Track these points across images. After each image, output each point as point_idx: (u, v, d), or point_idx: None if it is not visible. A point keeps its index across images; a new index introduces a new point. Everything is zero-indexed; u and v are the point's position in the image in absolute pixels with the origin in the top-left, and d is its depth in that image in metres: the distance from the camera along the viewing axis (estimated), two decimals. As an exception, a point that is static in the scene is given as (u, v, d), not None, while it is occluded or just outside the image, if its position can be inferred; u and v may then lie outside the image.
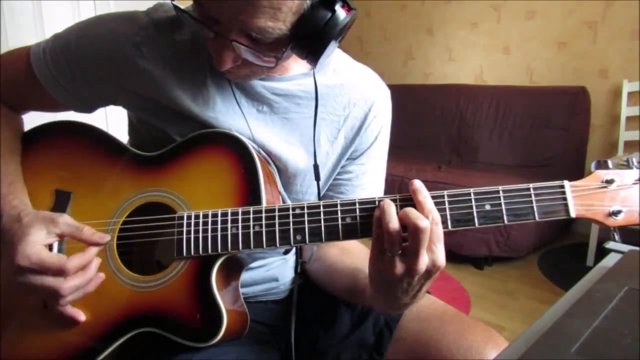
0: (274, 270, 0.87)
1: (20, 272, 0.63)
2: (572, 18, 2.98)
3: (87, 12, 2.72)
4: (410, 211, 0.57)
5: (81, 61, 0.76)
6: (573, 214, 0.60)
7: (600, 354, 0.41)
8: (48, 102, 0.80)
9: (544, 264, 2.64)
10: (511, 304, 2.26)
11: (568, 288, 0.61)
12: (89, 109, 0.84)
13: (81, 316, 0.68)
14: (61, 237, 0.67)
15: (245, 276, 0.82)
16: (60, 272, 0.63)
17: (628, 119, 2.76)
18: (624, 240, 0.71)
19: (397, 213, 0.58)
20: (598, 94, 2.91)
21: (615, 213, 0.59)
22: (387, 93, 0.88)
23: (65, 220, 0.66)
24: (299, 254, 0.80)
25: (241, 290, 0.76)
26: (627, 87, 2.75)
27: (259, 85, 0.75)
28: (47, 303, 0.66)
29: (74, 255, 0.65)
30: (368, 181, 0.86)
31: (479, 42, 3.42)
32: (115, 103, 0.81)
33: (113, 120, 2.34)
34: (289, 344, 0.84)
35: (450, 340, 0.74)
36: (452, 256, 2.63)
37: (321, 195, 0.84)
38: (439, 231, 0.58)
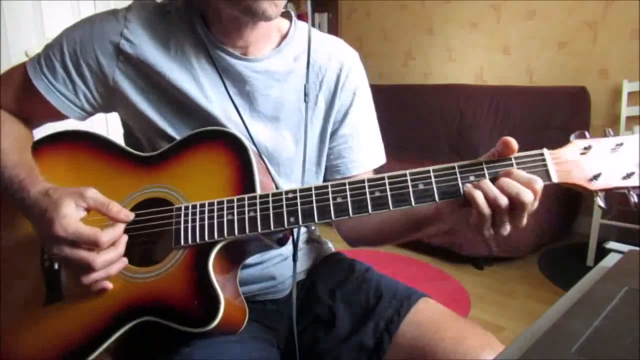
0: (272, 269, 0.87)
1: (57, 243, 0.64)
2: (572, 18, 2.98)
3: (87, 12, 2.71)
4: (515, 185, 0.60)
5: (74, 60, 0.79)
6: (555, 180, 0.62)
7: (600, 354, 0.41)
8: (54, 111, 0.82)
9: (544, 264, 2.64)
10: (511, 304, 2.26)
11: (568, 288, 0.61)
12: (86, 114, 0.85)
13: (110, 285, 0.69)
14: (88, 210, 0.67)
15: (243, 274, 0.82)
16: (94, 243, 0.64)
17: (628, 119, 2.76)
18: (624, 241, 0.71)
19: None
20: (598, 94, 2.91)
21: (595, 177, 0.61)
22: (356, 54, 0.92)
23: (92, 195, 0.67)
24: (296, 248, 0.80)
25: (240, 289, 0.76)
26: (627, 87, 2.75)
27: (240, 65, 0.80)
28: (79, 277, 0.66)
29: (106, 230, 0.66)
30: (363, 139, 0.90)
31: (479, 42, 3.41)
32: (112, 104, 0.83)
33: (113, 123, 2.34)
34: (289, 345, 0.84)
35: (447, 345, 0.75)
36: (452, 256, 2.63)
37: (324, 166, 0.89)
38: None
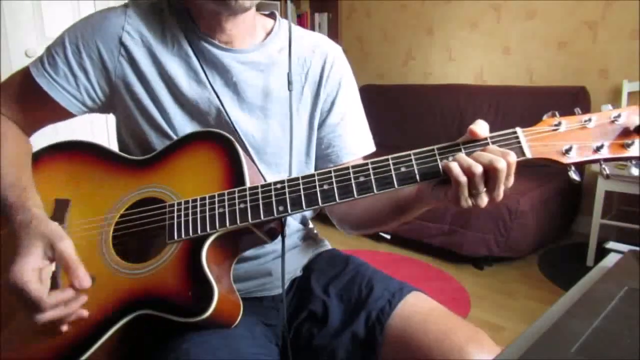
0: (268, 265, 0.88)
1: (10, 285, 0.64)
2: (572, 18, 2.98)
3: (87, 13, 2.72)
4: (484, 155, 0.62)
5: (77, 54, 0.81)
6: (529, 155, 0.64)
7: (600, 354, 0.42)
8: (56, 108, 0.83)
9: (544, 264, 2.64)
10: (511, 304, 2.26)
11: (568, 288, 0.61)
12: (87, 109, 0.86)
13: (64, 328, 0.68)
14: (52, 261, 0.67)
15: (240, 270, 0.84)
16: (35, 306, 0.63)
17: (628, 119, 2.76)
18: (624, 241, 0.71)
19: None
20: (598, 94, 2.91)
21: (567, 151, 0.63)
22: (339, 47, 0.95)
23: (64, 249, 0.66)
24: (283, 240, 0.81)
25: (236, 285, 0.77)
26: (627, 87, 2.75)
27: (225, 56, 0.83)
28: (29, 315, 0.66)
29: (54, 292, 0.65)
30: (351, 128, 0.92)
31: (479, 42, 3.42)
32: (112, 99, 0.84)
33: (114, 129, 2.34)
34: (286, 341, 0.84)
35: (432, 339, 0.75)
36: (452, 256, 2.63)
37: (315, 156, 0.91)
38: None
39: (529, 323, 0.63)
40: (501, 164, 0.61)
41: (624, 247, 0.69)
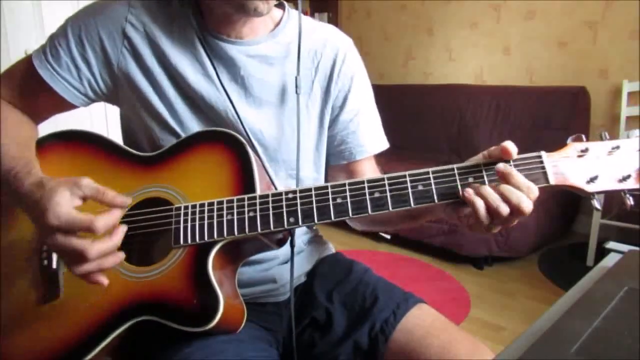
0: (273, 271, 0.87)
1: (51, 232, 0.62)
2: (572, 18, 2.98)
3: (87, 12, 2.71)
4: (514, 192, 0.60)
5: (79, 46, 0.79)
6: (552, 182, 0.62)
7: (600, 354, 0.42)
8: (58, 100, 0.82)
9: (544, 264, 2.64)
10: (511, 304, 2.26)
11: (568, 288, 0.61)
12: (90, 101, 0.85)
13: (105, 281, 0.65)
14: (84, 199, 0.65)
15: (245, 276, 0.82)
16: (88, 229, 0.61)
17: (628, 119, 2.76)
18: (624, 241, 0.71)
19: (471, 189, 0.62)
20: (598, 94, 2.91)
21: (592, 179, 0.61)
22: (350, 40, 0.92)
23: (87, 183, 0.65)
24: (293, 251, 0.80)
25: (240, 291, 0.76)
26: (627, 87, 2.75)
27: (233, 49, 0.80)
28: (72, 267, 0.64)
29: (100, 215, 0.63)
30: (364, 124, 0.90)
31: (479, 42, 3.41)
32: (116, 92, 0.83)
33: (113, 121, 2.33)
34: (287, 348, 0.83)
35: (433, 353, 0.75)
36: (452, 256, 2.63)
37: (325, 152, 0.89)
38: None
39: (529, 323, 0.63)
40: (528, 208, 0.59)
41: (624, 247, 0.69)
